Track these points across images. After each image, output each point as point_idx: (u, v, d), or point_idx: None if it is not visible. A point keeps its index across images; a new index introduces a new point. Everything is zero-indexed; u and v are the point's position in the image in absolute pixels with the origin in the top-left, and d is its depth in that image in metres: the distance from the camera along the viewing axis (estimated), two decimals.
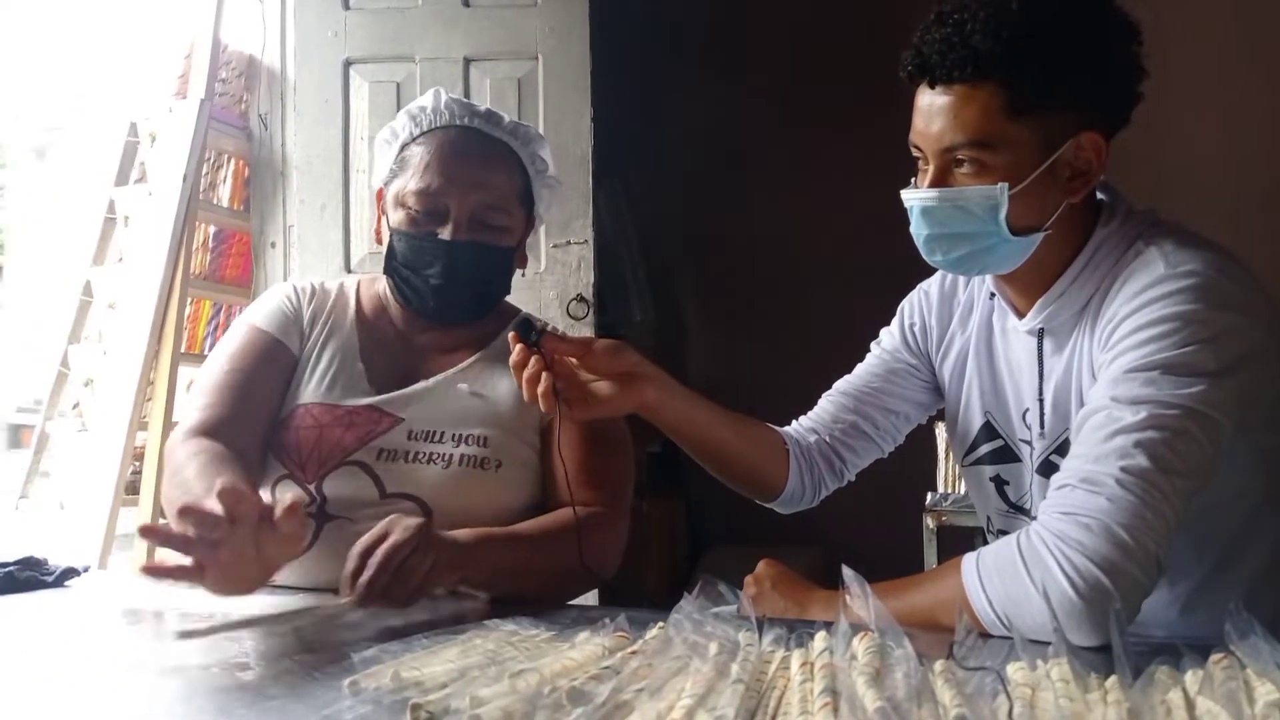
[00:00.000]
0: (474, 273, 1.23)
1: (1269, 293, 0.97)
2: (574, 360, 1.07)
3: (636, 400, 1.09)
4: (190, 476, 1.06)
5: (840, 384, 1.27)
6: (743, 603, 0.85)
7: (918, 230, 1.02)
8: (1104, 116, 0.99)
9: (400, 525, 0.99)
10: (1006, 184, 0.95)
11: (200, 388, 1.22)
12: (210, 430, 1.15)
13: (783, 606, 1.00)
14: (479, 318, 1.29)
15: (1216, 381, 0.88)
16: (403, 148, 1.25)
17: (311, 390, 1.23)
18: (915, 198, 1.01)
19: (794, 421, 1.27)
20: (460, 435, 1.20)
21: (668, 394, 1.12)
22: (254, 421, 1.19)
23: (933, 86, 0.97)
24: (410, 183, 1.21)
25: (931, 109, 0.97)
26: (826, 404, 1.26)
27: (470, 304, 1.27)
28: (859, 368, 1.27)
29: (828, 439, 1.23)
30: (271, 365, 1.22)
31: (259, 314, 1.27)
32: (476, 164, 1.22)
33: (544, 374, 1.04)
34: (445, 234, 1.20)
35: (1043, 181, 0.96)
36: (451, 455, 1.18)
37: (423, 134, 1.24)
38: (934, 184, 0.99)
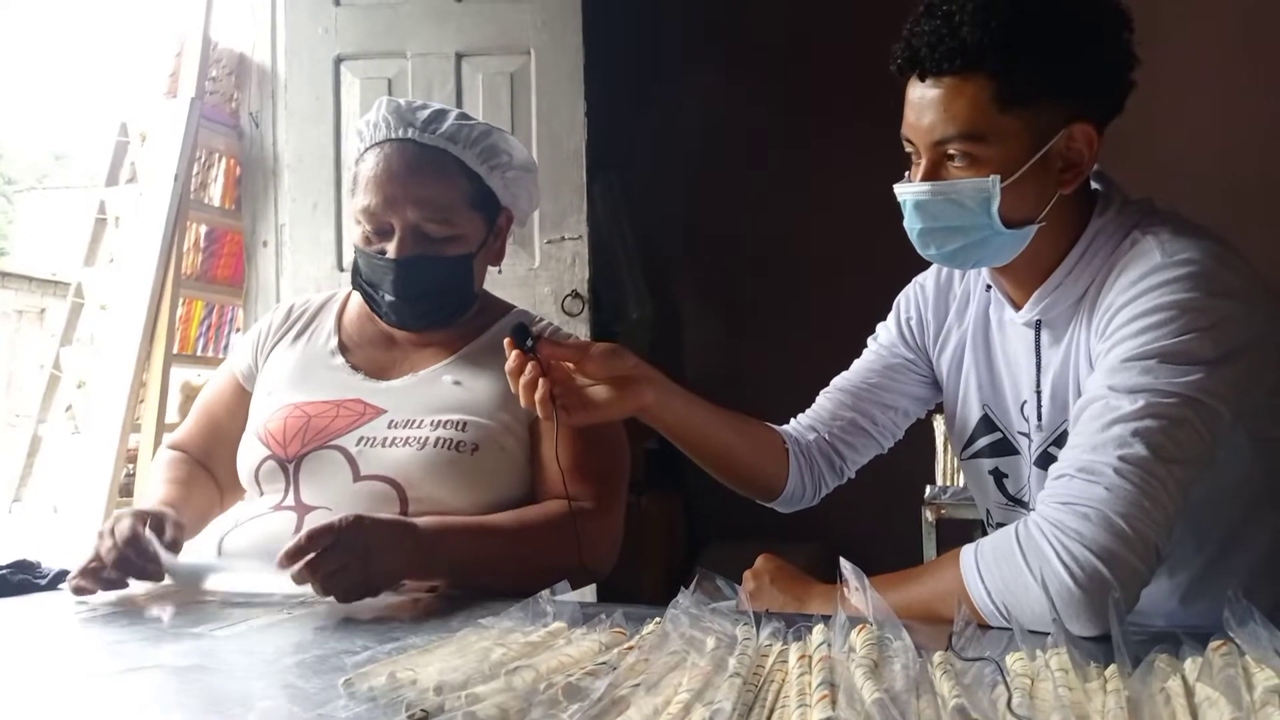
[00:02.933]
0: (425, 286, 1.25)
1: (1265, 281, 0.97)
2: (570, 365, 1.06)
3: (634, 404, 1.08)
4: (156, 480, 1.31)
5: (838, 380, 1.27)
6: (741, 598, 0.85)
7: (911, 224, 1.01)
8: (1095, 106, 0.98)
9: (335, 523, 1.00)
10: (998, 176, 0.95)
11: (192, 407, 1.43)
12: (181, 447, 1.38)
13: (781, 601, 1.00)
14: (448, 324, 1.30)
15: (1214, 370, 0.88)
16: (356, 164, 1.28)
17: (284, 385, 1.29)
18: (908, 192, 1.00)
19: (792, 420, 1.26)
20: (438, 420, 1.20)
21: (666, 396, 1.11)
22: (217, 448, 1.35)
23: (923, 79, 0.97)
24: (357, 202, 1.25)
25: (922, 102, 0.97)
26: (824, 401, 1.26)
27: (429, 314, 1.28)
28: (856, 364, 1.27)
29: (827, 436, 1.23)
30: (237, 409, 1.35)
31: (235, 353, 1.42)
32: (411, 179, 1.23)
33: (540, 380, 1.02)
34: (391, 251, 1.23)
35: (1035, 173, 0.96)
36: (427, 438, 1.19)
37: (367, 149, 1.27)
38: (926, 177, 0.98)
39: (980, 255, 1.01)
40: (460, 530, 1.11)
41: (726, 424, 1.18)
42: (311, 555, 0.97)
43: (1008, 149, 0.95)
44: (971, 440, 1.16)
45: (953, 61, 0.94)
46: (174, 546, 1.09)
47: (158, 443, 2.48)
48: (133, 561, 1.04)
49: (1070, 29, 0.94)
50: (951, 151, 0.96)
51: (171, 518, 1.11)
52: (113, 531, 1.07)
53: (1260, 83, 2.99)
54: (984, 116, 0.94)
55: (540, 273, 2.55)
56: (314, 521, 1.13)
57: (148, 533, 1.06)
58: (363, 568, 0.98)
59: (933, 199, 0.98)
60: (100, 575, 1.05)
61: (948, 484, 2.45)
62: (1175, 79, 2.99)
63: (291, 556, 0.97)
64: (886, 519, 2.49)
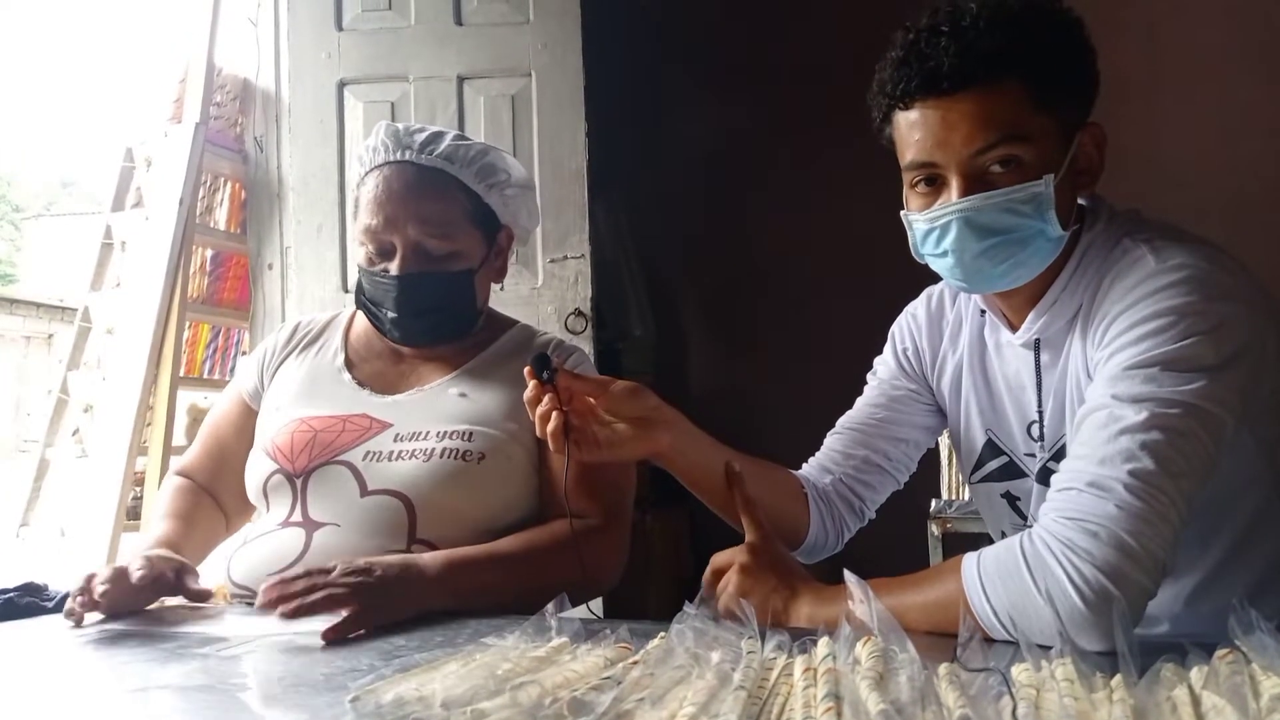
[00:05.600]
0: (427, 302, 1.27)
1: (1263, 284, 0.97)
2: (592, 400, 1.05)
3: (649, 447, 1.06)
4: (154, 515, 1.30)
5: (844, 420, 1.24)
6: (730, 572, 0.84)
7: (960, 247, 0.95)
8: (1089, 110, 0.99)
9: (347, 569, 1.00)
10: (1051, 175, 0.93)
11: (198, 432, 1.42)
12: (188, 473, 1.37)
13: (772, 585, 0.97)
14: (453, 339, 1.32)
15: (1217, 375, 0.87)
16: (357, 188, 1.31)
17: (291, 400, 1.30)
18: (952, 210, 0.94)
19: (805, 465, 1.24)
20: (444, 431, 1.21)
21: (684, 442, 1.09)
22: (224, 470, 1.35)
23: (951, 93, 0.93)
24: (359, 224, 1.27)
25: (948, 119, 0.93)
26: (834, 442, 1.23)
27: (433, 330, 1.29)
28: (859, 401, 1.25)
29: (842, 478, 1.20)
30: (243, 429, 1.35)
31: (241, 373, 1.42)
32: (410, 198, 1.25)
33: (554, 413, 1.01)
34: (393, 269, 1.25)
35: (1066, 175, 0.96)
36: (433, 449, 1.19)
37: (368, 173, 1.29)
38: (965, 194, 0.93)
39: (1024, 270, 0.98)
40: (467, 562, 1.11)
41: (746, 473, 1.13)
42: (305, 583, 0.98)
43: (1046, 150, 0.94)
44: (979, 465, 1.15)
45: (987, 69, 0.92)
46: (186, 591, 1.10)
47: (164, 466, 2.49)
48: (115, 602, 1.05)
49: (1074, 31, 0.96)
50: (991, 160, 0.93)
51: (178, 564, 1.12)
52: (103, 578, 1.07)
53: (1260, 93, 3.00)
54: (1025, 116, 0.93)
55: (544, 291, 2.56)
56: (323, 539, 1.14)
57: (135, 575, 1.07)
58: (364, 608, 0.98)
59: (983, 212, 0.93)
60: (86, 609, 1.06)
61: (953, 498, 2.45)
62: (1175, 92, 3.01)
63: (280, 585, 0.98)
64: (891, 533, 2.48)
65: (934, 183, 0.97)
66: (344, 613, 0.96)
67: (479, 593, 1.07)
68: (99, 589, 1.04)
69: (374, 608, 0.98)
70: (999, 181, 0.94)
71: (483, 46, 2.62)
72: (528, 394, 1.04)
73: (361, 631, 0.96)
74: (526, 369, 1.04)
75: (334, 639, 0.93)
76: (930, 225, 0.97)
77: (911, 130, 0.96)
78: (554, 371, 1.02)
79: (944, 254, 0.98)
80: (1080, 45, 0.97)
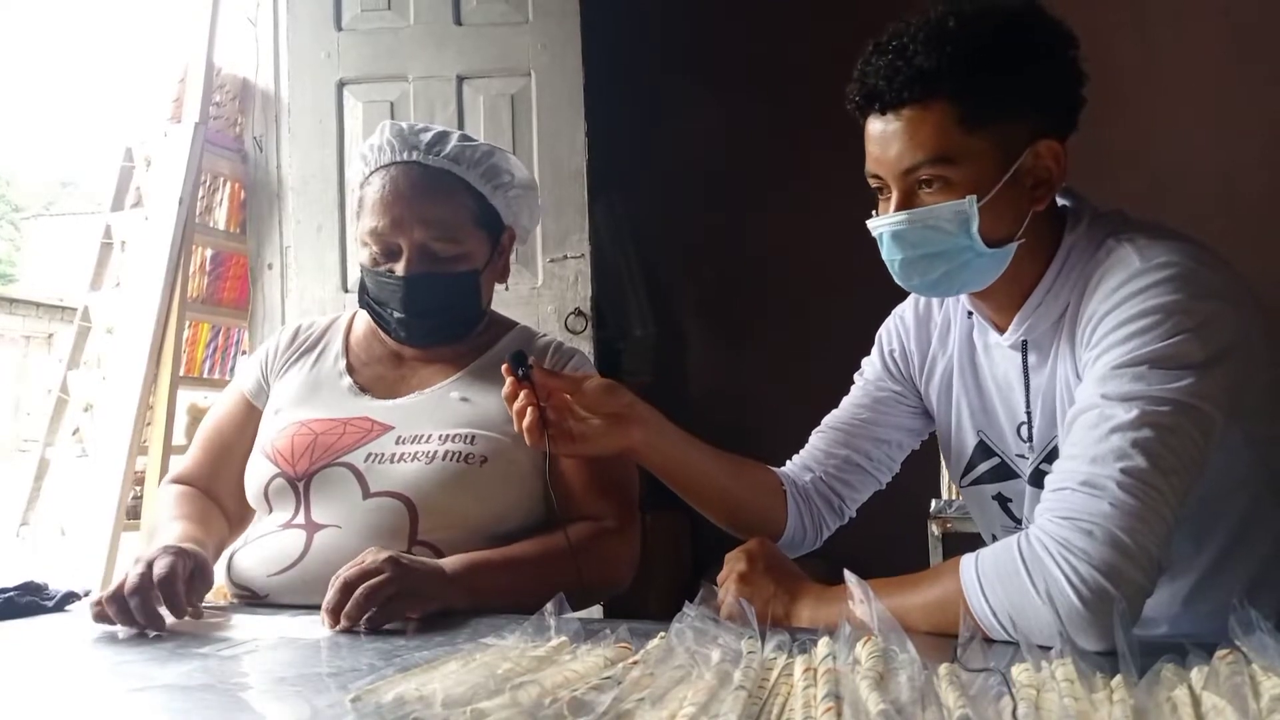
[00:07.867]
0: (433, 303, 1.27)
1: (1256, 288, 0.97)
2: (568, 396, 1.08)
3: (620, 443, 1.10)
4: (161, 520, 1.25)
5: (829, 419, 1.26)
6: (728, 580, 0.84)
7: (890, 256, 1.01)
8: (1055, 123, 0.99)
9: (379, 560, 1.00)
10: (974, 196, 0.96)
11: (194, 439, 1.39)
12: (186, 479, 1.34)
13: (772, 591, 0.98)
14: (456, 340, 1.32)
15: (1205, 372, 0.88)
16: (361, 187, 1.30)
17: (291, 404, 1.30)
18: (884, 224, 1.00)
19: (788, 462, 1.26)
20: (447, 435, 1.21)
21: (656, 437, 1.12)
22: (225, 471, 1.32)
23: (883, 113, 0.97)
24: (363, 224, 1.27)
25: (885, 135, 0.97)
26: (817, 440, 1.25)
27: (438, 330, 1.30)
28: (845, 401, 1.27)
29: (823, 476, 1.22)
30: (246, 426, 1.34)
31: (241, 375, 1.41)
32: (417, 200, 1.24)
33: (530, 408, 1.05)
34: (399, 270, 1.25)
35: (1008, 191, 0.97)
36: (435, 452, 1.19)
37: (372, 172, 1.29)
38: (900, 208, 0.98)
39: (963, 280, 1.01)
40: (487, 566, 1.11)
41: (722, 468, 1.18)
42: (374, 580, 0.98)
43: (978, 169, 0.96)
44: (970, 467, 1.16)
45: (912, 90, 0.95)
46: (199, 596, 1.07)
47: (164, 465, 2.49)
48: (155, 602, 1.00)
49: (1021, 48, 0.96)
50: (923, 178, 0.97)
51: (207, 568, 1.10)
52: (150, 565, 1.03)
53: (1256, 95, 3.00)
54: (951, 139, 0.95)
55: (543, 291, 2.56)
56: (324, 540, 1.14)
57: (180, 583, 1.02)
58: (400, 600, 1.00)
59: (910, 227, 0.98)
60: (123, 607, 0.99)
61: (953, 498, 2.44)
62: (1171, 94, 3.01)
63: (348, 587, 0.98)
64: (891, 533, 2.48)
65: (885, 191, 1.01)
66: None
67: (495, 597, 1.07)
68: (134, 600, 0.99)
69: (413, 595, 1.00)
70: (926, 200, 0.98)
71: (482, 46, 2.62)
72: (505, 389, 1.07)
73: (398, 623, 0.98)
74: (504, 366, 1.07)
75: (373, 629, 0.96)
76: (875, 233, 1.02)
77: (868, 141, 1.01)
78: (529, 368, 1.06)
79: (890, 260, 1.02)
80: (1028, 59, 0.95)
